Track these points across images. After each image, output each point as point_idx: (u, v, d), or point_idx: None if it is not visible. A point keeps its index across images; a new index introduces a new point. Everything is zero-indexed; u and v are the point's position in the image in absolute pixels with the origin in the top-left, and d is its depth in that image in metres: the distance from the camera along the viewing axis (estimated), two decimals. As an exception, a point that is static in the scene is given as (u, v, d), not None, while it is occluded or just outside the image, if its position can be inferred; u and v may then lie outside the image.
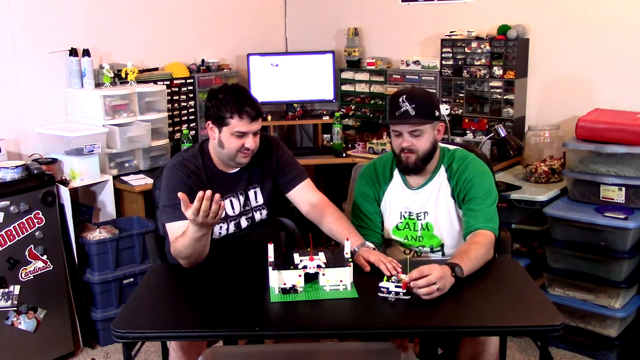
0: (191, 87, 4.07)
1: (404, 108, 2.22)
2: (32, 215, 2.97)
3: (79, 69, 3.52)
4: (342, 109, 4.37)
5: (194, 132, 4.08)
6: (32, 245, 2.98)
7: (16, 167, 2.97)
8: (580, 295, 3.03)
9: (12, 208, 2.89)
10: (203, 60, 4.21)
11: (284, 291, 1.97)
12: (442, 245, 2.38)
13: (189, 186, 2.25)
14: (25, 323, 2.99)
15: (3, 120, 3.35)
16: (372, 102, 4.30)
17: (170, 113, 3.90)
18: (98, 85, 3.58)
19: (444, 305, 1.91)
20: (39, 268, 3.03)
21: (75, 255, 3.17)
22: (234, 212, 2.37)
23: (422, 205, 2.36)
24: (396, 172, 2.41)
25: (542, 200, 3.08)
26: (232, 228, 2.38)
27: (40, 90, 3.51)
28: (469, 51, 3.74)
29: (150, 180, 3.39)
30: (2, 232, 2.88)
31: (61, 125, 3.51)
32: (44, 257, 3.04)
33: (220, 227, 2.35)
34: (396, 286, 1.93)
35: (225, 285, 2.10)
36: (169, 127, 3.89)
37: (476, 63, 3.73)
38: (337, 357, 2.45)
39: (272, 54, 4.36)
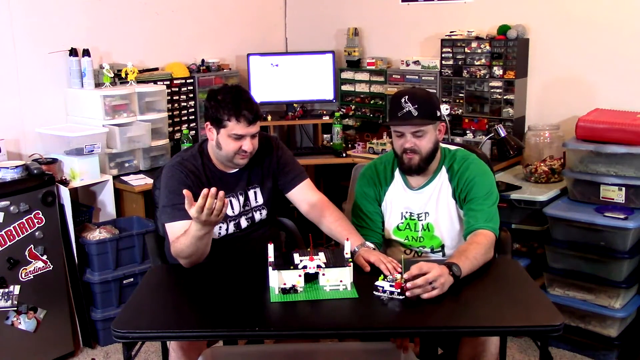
0: (191, 87, 4.07)
1: (407, 109, 2.22)
2: (32, 215, 2.97)
3: (79, 69, 3.52)
4: (342, 109, 4.38)
5: (194, 132, 4.08)
6: (32, 245, 2.98)
7: (16, 167, 2.97)
8: (580, 295, 3.03)
9: (12, 208, 2.89)
10: (203, 60, 4.21)
11: (284, 291, 1.97)
12: (442, 246, 2.38)
13: (188, 186, 2.25)
14: (25, 323, 2.99)
15: (3, 120, 3.35)
16: (372, 102, 4.31)
17: (170, 113, 3.90)
18: (98, 85, 3.58)
19: (444, 305, 1.91)
20: (39, 268, 3.03)
21: (75, 255, 3.17)
22: (233, 212, 2.37)
23: (423, 205, 2.36)
24: (397, 173, 2.41)
25: (542, 200, 3.08)
26: (231, 228, 2.38)
27: (40, 90, 3.51)
28: (469, 51, 3.74)
29: (150, 180, 3.39)
30: (2, 232, 2.88)
31: (61, 125, 3.51)
32: (44, 257, 3.04)
33: (220, 227, 2.35)
34: (391, 285, 1.94)
35: (225, 285, 2.10)
36: (169, 127, 3.89)
37: (476, 63, 3.73)
38: (337, 357, 2.45)
39: (272, 54, 4.36)
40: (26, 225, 2.96)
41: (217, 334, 2.08)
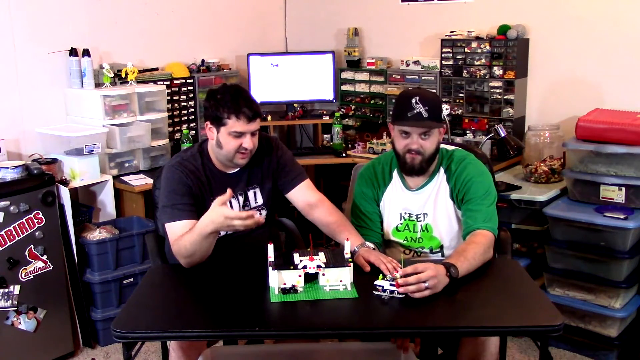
0: (191, 87, 4.07)
1: (417, 110, 2.22)
2: (32, 215, 2.97)
3: (79, 69, 3.52)
4: (342, 109, 4.38)
5: (194, 132, 4.08)
6: (32, 245, 2.98)
7: (16, 167, 2.97)
8: (580, 295, 3.03)
9: (12, 208, 2.89)
10: (203, 60, 4.21)
11: (284, 291, 1.97)
12: (441, 247, 2.38)
13: (188, 186, 2.26)
14: (25, 323, 2.99)
15: (3, 120, 3.35)
16: (372, 102, 4.31)
17: (170, 113, 3.90)
18: (98, 85, 3.58)
19: (444, 305, 1.91)
20: (39, 268, 3.03)
21: (75, 255, 3.17)
22: (233, 212, 2.37)
23: (421, 206, 2.36)
24: (395, 173, 2.41)
25: (542, 200, 3.08)
26: (232, 228, 2.38)
27: (40, 90, 3.51)
28: (469, 51, 3.74)
29: (150, 180, 3.39)
30: (2, 232, 2.88)
31: (61, 125, 3.51)
32: (44, 257, 3.04)
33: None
34: (390, 284, 1.94)
35: (225, 285, 2.10)
36: (169, 127, 3.89)
37: (476, 63, 3.73)
38: (337, 357, 2.45)
39: (272, 54, 4.36)
40: (26, 225, 2.96)
41: (217, 334, 2.08)
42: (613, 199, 2.98)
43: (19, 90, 3.42)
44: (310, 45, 4.65)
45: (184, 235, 2.12)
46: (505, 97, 3.67)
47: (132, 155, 3.62)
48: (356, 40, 4.39)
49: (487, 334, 2.04)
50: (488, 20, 3.80)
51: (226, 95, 2.23)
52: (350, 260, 2.02)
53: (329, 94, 4.34)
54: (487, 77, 3.70)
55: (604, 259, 2.93)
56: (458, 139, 3.78)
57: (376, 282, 1.97)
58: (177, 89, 3.99)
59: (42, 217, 3.01)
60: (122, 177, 3.51)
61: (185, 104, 4.05)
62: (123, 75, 3.65)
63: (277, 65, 4.30)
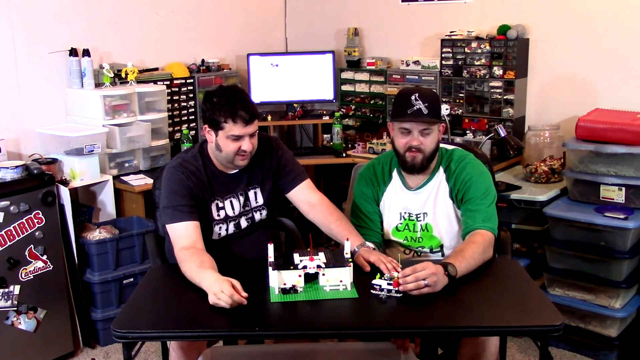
0: (191, 87, 4.07)
1: (417, 106, 2.22)
2: (32, 215, 2.97)
3: (79, 69, 3.52)
4: (342, 109, 4.37)
5: (194, 132, 4.07)
6: (32, 245, 2.98)
7: (16, 167, 2.97)
8: (580, 295, 3.03)
9: (12, 208, 2.89)
10: (203, 60, 4.21)
11: (284, 291, 1.97)
12: (441, 246, 2.38)
13: (189, 187, 2.26)
14: (25, 323, 2.99)
15: (3, 120, 3.35)
16: (372, 102, 4.31)
17: (170, 113, 3.90)
18: (98, 85, 3.58)
19: (444, 305, 1.91)
20: (39, 268, 3.03)
21: (75, 255, 3.17)
22: (233, 212, 2.37)
23: (421, 206, 2.36)
24: (395, 173, 2.41)
25: (542, 200, 3.08)
26: (231, 228, 2.38)
27: (40, 90, 3.51)
28: (469, 51, 3.74)
29: (150, 180, 3.39)
30: (2, 232, 2.88)
31: (61, 125, 3.51)
32: (44, 257, 3.04)
33: (220, 227, 2.36)
34: (388, 284, 1.94)
35: (225, 285, 2.09)
36: (169, 127, 3.89)
37: (476, 63, 3.73)
38: (337, 357, 2.45)
39: (272, 54, 4.36)
40: (26, 225, 2.96)
41: (217, 334, 2.09)
42: (613, 199, 2.98)
43: (19, 90, 3.42)
44: (310, 45, 4.65)
45: (190, 261, 2.07)
46: (505, 97, 3.67)
47: (132, 155, 3.62)
48: (356, 40, 4.39)
49: (487, 334, 2.04)
50: (488, 20, 3.80)
51: (222, 98, 2.22)
52: (350, 260, 2.02)
53: (329, 94, 4.34)
54: (487, 77, 3.70)
55: (604, 259, 2.93)
56: (458, 139, 3.78)
57: (374, 282, 1.97)
58: (177, 89, 3.99)
59: (42, 217, 3.01)
60: (122, 177, 3.51)
61: (185, 104, 4.05)
62: (123, 75, 3.65)
63: (277, 65, 4.30)
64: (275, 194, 2.46)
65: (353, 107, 4.39)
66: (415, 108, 2.22)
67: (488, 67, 3.69)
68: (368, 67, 4.29)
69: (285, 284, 1.98)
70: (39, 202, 2.99)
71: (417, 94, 2.24)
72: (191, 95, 4.07)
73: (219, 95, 2.24)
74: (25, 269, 2.98)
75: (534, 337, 2.43)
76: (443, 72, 3.86)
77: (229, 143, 2.24)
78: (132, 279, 3.29)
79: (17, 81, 3.41)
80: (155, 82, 3.86)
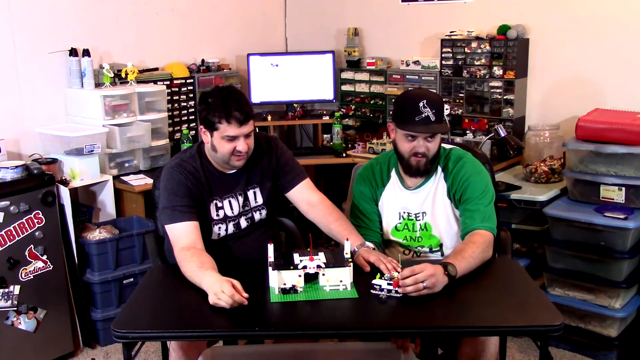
0: (191, 87, 4.07)
1: (425, 114, 2.21)
2: (32, 215, 2.97)
3: (79, 69, 3.52)
4: (342, 109, 4.37)
5: (194, 132, 4.07)
6: (32, 245, 2.98)
7: (16, 167, 2.97)
8: (580, 295, 3.03)
9: (12, 208, 2.89)
10: (203, 60, 4.21)
11: (283, 291, 1.97)
12: (441, 245, 2.38)
13: (187, 188, 2.26)
14: (25, 323, 2.99)
15: (3, 120, 3.35)
16: (372, 102, 4.31)
17: (170, 113, 3.90)
18: (98, 85, 3.58)
19: (444, 305, 1.91)
20: (39, 268, 3.03)
21: (75, 255, 3.17)
22: (233, 212, 2.37)
23: (420, 205, 2.36)
24: (393, 173, 2.41)
25: (542, 200, 3.08)
26: (231, 228, 2.38)
27: (40, 90, 3.51)
28: (469, 51, 3.74)
29: (150, 180, 3.39)
30: (2, 232, 2.88)
31: (61, 125, 3.51)
32: (44, 257, 3.04)
33: (219, 227, 2.36)
34: (388, 284, 1.94)
35: (225, 285, 2.09)
36: (169, 127, 3.89)
37: (476, 63, 3.73)
38: (337, 357, 2.45)
39: (272, 54, 4.36)
40: (26, 225, 2.96)
41: (217, 334, 2.09)
42: (613, 199, 2.98)
43: (19, 90, 3.43)
44: (310, 45, 4.64)
45: (190, 261, 2.07)
46: (505, 97, 3.67)
47: (132, 155, 3.62)
48: (356, 40, 4.39)
49: (487, 334, 2.04)
50: (488, 20, 3.80)
51: (217, 99, 2.22)
52: (350, 260, 2.02)
53: (329, 94, 4.34)
54: (487, 77, 3.70)
55: (604, 259, 2.93)
56: (458, 139, 3.78)
57: (374, 282, 1.97)
58: (177, 89, 3.99)
59: (42, 217, 3.01)
60: (122, 177, 3.51)
61: (185, 104, 4.05)
62: (123, 75, 3.65)
63: (277, 65, 4.30)
64: (275, 193, 2.46)
65: (353, 107, 4.39)
66: (423, 116, 2.21)
67: (488, 67, 3.69)
68: (368, 67, 4.29)
69: (285, 284, 1.98)
70: (39, 202, 2.99)
71: (425, 101, 2.21)
72: (191, 95, 4.07)
73: (214, 95, 2.24)
74: (25, 269, 2.98)
75: (534, 337, 2.43)
76: (443, 72, 3.86)
77: (224, 144, 2.23)
78: (132, 279, 3.29)
79: (17, 81, 3.41)
80: (155, 82, 3.86)
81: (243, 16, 4.56)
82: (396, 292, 1.93)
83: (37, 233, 2.99)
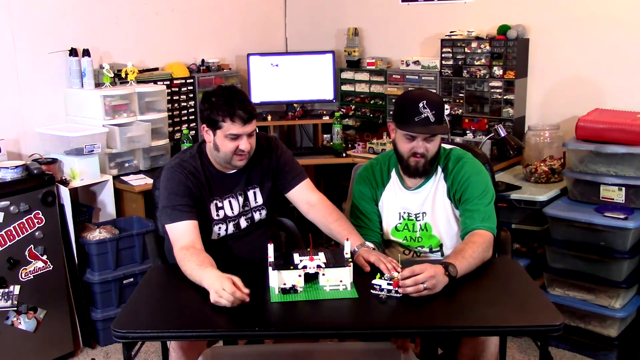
0: (191, 87, 4.07)
1: (425, 114, 2.20)
2: (32, 215, 2.97)
3: (79, 69, 3.52)
4: (342, 109, 4.37)
5: (194, 132, 4.07)
6: (32, 245, 2.98)
7: (16, 167, 2.97)
8: (580, 295, 3.03)
9: (12, 208, 2.89)
10: (203, 60, 4.21)
11: (284, 291, 1.97)
12: (441, 246, 2.38)
13: (188, 187, 2.26)
14: (25, 323, 2.99)
15: (3, 120, 3.35)
16: (372, 102, 4.31)
17: (170, 113, 3.90)
18: (98, 85, 3.58)
19: (444, 305, 1.91)
20: (39, 268, 3.03)
21: (75, 255, 3.17)
22: (233, 212, 2.37)
23: (420, 205, 2.36)
24: (393, 173, 2.41)
25: (542, 200, 3.08)
26: (231, 228, 2.38)
27: (40, 90, 3.51)
28: (469, 51, 3.74)
29: (150, 180, 3.39)
30: (2, 232, 2.88)
31: (61, 125, 3.51)
32: (44, 257, 3.04)
33: (219, 227, 2.36)
34: (388, 284, 1.94)
35: (225, 285, 2.09)
36: (169, 127, 3.89)
37: (476, 63, 3.73)
38: (337, 357, 2.45)
39: (272, 54, 4.36)
40: (26, 225, 2.96)
41: (217, 334, 2.09)
42: (613, 199, 2.98)
43: (19, 90, 3.43)
44: (310, 45, 4.64)
45: (190, 260, 2.07)
46: (505, 97, 3.67)
47: (132, 155, 3.62)
48: (356, 40, 4.39)
49: (487, 334, 2.04)
50: (488, 20, 3.80)
51: (220, 98, 2.23)
52: (350, 260, 2.02)
53: (329, 94, 4.34)
54: (487, 77, 3.70)
55: (604, 259, 2.93)
56: (458, 139, 3.78)
57: (374, 282, 1.97)
58: (177, 89, 3.99)
59: (42, 217, 3.01)
60: (122, 177, 3.51)
61: (185, 104, 4.05)
62: (123, 75, 3.65)
63: (277, 65, 4.30)
64: (275, 194, 2.46)
65: (353, 107, 4.39)
66: (423, 116, 2.21)
67: (488, 67, 3.69)
68: (368, 67, 4.29)
69: (285, 284, 1.98)
70: (39, 202, 2.99)
71: (425, 102, 2.21)
72: (191, 95, 4.07)
73: (217, 94, 2.25)
74: (25, 269, 2.98)
75: (534, 337, 2.43)
76: (443, 72, 3.86)
77: (227, 142, 2.24)
78: (132, 279, 3.29)
79: (17, 81, 3.41)
80: (155, 82, 3.86)
81: (243, 16, 4.56)
82: (396, 292, 1.93)
83: (37, 233, 2.99)
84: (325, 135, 4.28)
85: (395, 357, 2.25)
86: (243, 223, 2.40)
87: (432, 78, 3.92)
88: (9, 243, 2.91)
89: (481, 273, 2.09)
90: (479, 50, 3.70)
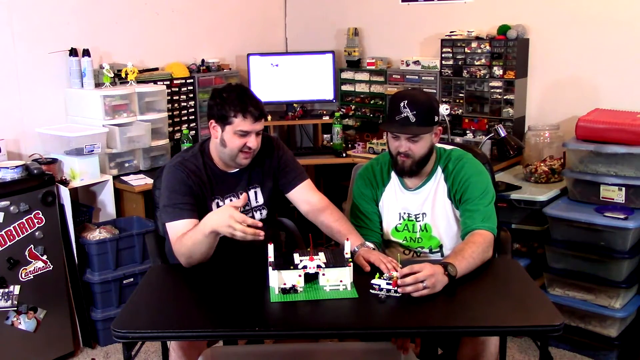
0: (191, 87, 4.07)
1: (404, 114, 2.20)
2: (32, 215, 2.97)
3: (79, 69, 3.52)
4: (342, 109, 4.37)
5: (194, 132, 4.08)
6: (32, 245, 2.98)
7: (16, 167, 2.97)
8: (580, 295, 3.03)
9: (12, 208, 2.89)
10: (203, 60, 4.21)
11: (284, 291, 1.97)
12: (441, 246, 2.38)
13: (189, 186, 2.26)
14: (25, 323, 2.99)
15: (3, 120, 3.35)
16: (372, 102, 4.31)
17: (170, 113, 3.90)
18: (98, 85, 3.58)
19: (444, 305, 1.91)
20: (39, 268, 3.03)
21: (75, 255, 3.17)
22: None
23: (420, 206, 2.36)
24: (393, 174, 2.41)
25: (542, 200, 3.08)
26: (232, 228, 2.38)
27: (40, 90, 3.51)
28: (469, 51, 3.74)
29: (150, 180, 3.39)
30: (2, 232, 2.88)
31: (61, 125, 3.51)
32: (44, 257, 3.04)
33: (220, 227, 2.35)
34: (387, 283, 1.94)
35: (225, 285, 2.10)
36: (169, 127, 3.89)
37: (476, 63, 3.73)
38: (337, 357, 2.45)
39: (272, 54, 4.36)
40: (26, 225, 2.96)
41: (217, 334, 2.09)
42: (613, 199, 2.98)
43: (19, 90, 3.43)
44: (310, 45, 4.64)
45: (187, 233, 2.12)
46: (505, 97, 3.67)
47: (132, 155, 3.62)
48: (356, 40, 4.39)
49: (487, 334, 2.04)
50: (488, 20, 3.80)
51: (232, 94, 2.24)
52: (350, 260, 2.02)
53: (329, 94, 4.34)
54: (487, 77, 3.70)
55: (604, 259, 2.93)
56: (458, 139, 3.78)
57: (373, 281, 1.97)
58: (177, 89, 3.99)
59: (42, 217, 3.01)
60: (122, 177, 3.51)
61: (185, 104, 4.05)
62: (123, 75, 3.65)
63: (277, 65, 4.30)
64: (276, 194, 2.46)
65: (353, 107, 4.39)
66: (402, 116, 2.21)
67: (488, 67, 3.69)
68: (368, 67, 4.29)
69: (285, 284, 1.98)
70: (39, 202, 2.99)
71: (405, 101, 2.20)
72: (191, 95, 4.07)
73: (229, 90, 2.27)
74: (25, 269, 2.98)
75: (534, 337, 2.43)
76: (443, 72, 3.86)
77: (236, 139, 2.24)
78: (132, 279, 3.29)
79: (17, 81, 3.41)
80: (155, 82, 3.86)
81: (243, 16, 4.57)
82: (395, 291, 1.93)
83: (37, 233, 2.99)
84: (325, 135, 4.28)
85: (395, 357, 2.25)
86: (243, 223, 2.40)
87: (432, 78, 3.92)
88: (9, 243, 2.91)
89: (481, 273, 2.09)
90: (479, 50, 3.70)
